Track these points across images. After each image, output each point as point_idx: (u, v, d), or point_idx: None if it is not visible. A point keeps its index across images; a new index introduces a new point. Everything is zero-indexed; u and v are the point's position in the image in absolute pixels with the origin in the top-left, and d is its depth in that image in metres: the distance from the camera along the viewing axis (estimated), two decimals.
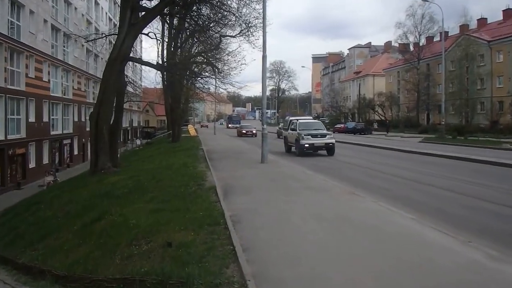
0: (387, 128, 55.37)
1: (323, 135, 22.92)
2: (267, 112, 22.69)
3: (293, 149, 24.34)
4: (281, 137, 32.79)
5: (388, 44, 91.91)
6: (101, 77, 20.26)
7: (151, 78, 75.17)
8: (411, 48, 66.04)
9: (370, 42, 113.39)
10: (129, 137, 63.35)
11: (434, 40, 63.92)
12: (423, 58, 61.58)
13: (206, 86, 40.81)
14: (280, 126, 33.02)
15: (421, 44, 62.92)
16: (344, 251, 6.03)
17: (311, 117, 43.44)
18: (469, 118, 52.10)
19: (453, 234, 6.90)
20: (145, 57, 60.74)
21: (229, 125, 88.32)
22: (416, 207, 9.53)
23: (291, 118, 30.40)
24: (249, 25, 24.89)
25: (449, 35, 61.11)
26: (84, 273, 5.65)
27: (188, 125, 67.37)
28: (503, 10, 57.78)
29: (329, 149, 22.54)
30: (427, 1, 50.16)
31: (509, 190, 11.87)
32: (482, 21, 60.56)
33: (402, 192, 11.87)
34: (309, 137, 22.25)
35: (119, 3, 21.01)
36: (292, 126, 24.58)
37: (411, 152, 24.87)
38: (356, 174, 15.94)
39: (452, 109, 54.08)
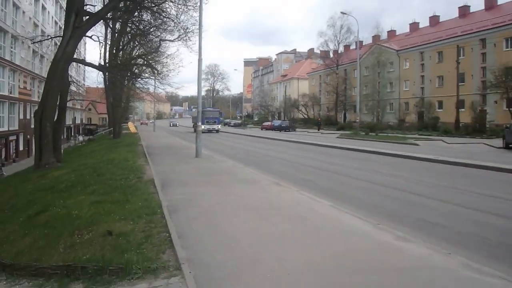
0: (318, 126, 56.75)
1: None
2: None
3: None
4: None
5: (311, 51, 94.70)
6: (46, 77, 19.54)
7: (94, 78, 73.43)
8: (331, 54, 68.46)
9: (295, 49, 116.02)
10: (72, 134, 60.85)
11: (351, 48, 66.65)
12: (341, 64, 64.17)
13: (145, 87, 40.58)
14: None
15: (339, 52, 65.56)
16: (271, 236, 6.11)
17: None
18: (380, 117, 54.90)
19: (365, 218, 7.25)
20: (88, 58, 58.27)
21: (204, 127, 40.18)
22: (334, 195, 9.83)
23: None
24: (187, 31, 25.17)
25: (363, 44, 64.06)
26: (29, 261, 5.46)
27: (129, 123, 65.63)
28: (410, 24, 61.73)
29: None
30: (345, 14, 52.52)
31: (417, 179, 12.64)
32: (391, 33, 64.49)
33: (322, 182, 12.19)
34: None
35: (64, 8, 20.93)
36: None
37: (331, 147, 25.79)
38: (282, 167, 16.15)
39: (366, 109, 56.76)
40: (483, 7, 49.50)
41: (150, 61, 30.24)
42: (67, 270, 4.88)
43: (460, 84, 40.90)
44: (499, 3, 48.15)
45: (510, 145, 23.79)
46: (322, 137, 37.52)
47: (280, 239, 5.96)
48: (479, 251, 5.76)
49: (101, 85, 42.50)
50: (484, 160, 16.73)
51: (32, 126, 28.02)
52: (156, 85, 35.12)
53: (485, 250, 5.84)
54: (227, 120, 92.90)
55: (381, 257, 5.19)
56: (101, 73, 32.19)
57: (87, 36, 22.34)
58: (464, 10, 52.28)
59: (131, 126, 57.73)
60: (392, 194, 10.18)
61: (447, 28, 49.07)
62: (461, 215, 7.89)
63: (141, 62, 32.07)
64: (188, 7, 21.91)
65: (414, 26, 60.27)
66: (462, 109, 41.49)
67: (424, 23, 59.46)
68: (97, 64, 25.87)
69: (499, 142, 26.32)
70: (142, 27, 24.26)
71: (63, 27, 21.08)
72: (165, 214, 7.17)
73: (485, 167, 14.82)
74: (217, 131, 51.96)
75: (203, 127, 45.65)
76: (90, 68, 35.39)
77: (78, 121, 69.35)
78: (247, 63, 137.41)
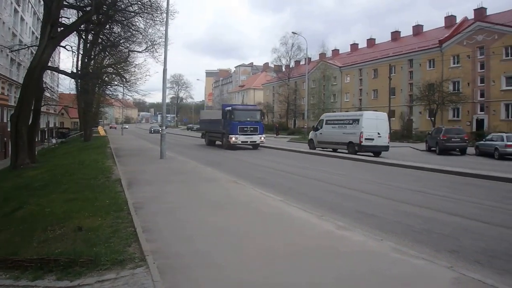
0: (276, 131, 55.61)
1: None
2: (167, 116, 22.26)
3: None
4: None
5: (266, 65, 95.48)
6: (22, 83, 18.77)
7: (67, 85, 70.72)
8: (283, 69, 69.39)
9: (252, 62, 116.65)
10: (46, 137, 58.01)
11: (301, 63, 67.80)
12: (292, 77, 65.04)
13: (115, 93, 39.80)
14: None
15: (291, 66, 66.53)
16: (228, 228, 6.08)
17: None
18: None
19: (311, 211, 7.37)
20: (62, 67, 55.88)
21: (236, 138, 24.69)
22: (284, 191, 9.91)
23: None
24: (154, 43, 24.69)
25: (311, 60, 65.46)
26: (6, 255, 5.25)
27: (98, 127, 63.46)
28: (350, 44, 63.61)
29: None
30: (296, 33, 53.72)
31: (355, 177, 12.98)
32: (335, 52, 66.33)
33: (274, 180, 12.23)
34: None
35: (41, 19, 20.65)
36: None
37: (283, 149, 25.94)
38: (238, 167, 16.06)
39: (313, 117, 57.79)
40: (411, 33, 51.90)
41: (119, 70, 29.48)
42: (41, 263, 4.75)
43: (391, 96, 42.59)
44: (424, 30, 50.72)
45: (432, 148, 25.10)
46: (275, 141, 37.74)
47: (236, 231, 5.95)
48: (406, 237, 6.01)
49: (74, 92, 41.43)
50: (411, 160, 17.50)
51: (9, 129, 26.92)
52: (124, 92, 34.23)
53: (411, 236, 6.10)
54: (190, 125, 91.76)
55: (325, 244, 5.30)
56: (73, 80, 31.51)
57: (61, 46, 22.14)
58: (395, 35, 54.62)
59: (101, 130, 56.16)
60: (334, 190, 10.40)
61: (382, 49, 51.13)
62: (392, 207, 8.19)
63: (111, 71, 31.23)
64: (156, 22, 21.61)
65: (354, 46, 62.26)
66: (393, 118, 43.20)
67: (362, 44, 61.50)
68: (70, 72, 25.63)
69: (423, 146, 27.68)
70: (112, 39, 24.17)
71: (39, 37, 20.46)
72: (131, 211, 6.98)
73: (412, 167, 15.49)
74: (258, 145, 26.30)
75: (234, 138, 24.77)
76: (63, 76, 34.23)
77: (51, 125, 66.47)
78: (209, 73, 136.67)
